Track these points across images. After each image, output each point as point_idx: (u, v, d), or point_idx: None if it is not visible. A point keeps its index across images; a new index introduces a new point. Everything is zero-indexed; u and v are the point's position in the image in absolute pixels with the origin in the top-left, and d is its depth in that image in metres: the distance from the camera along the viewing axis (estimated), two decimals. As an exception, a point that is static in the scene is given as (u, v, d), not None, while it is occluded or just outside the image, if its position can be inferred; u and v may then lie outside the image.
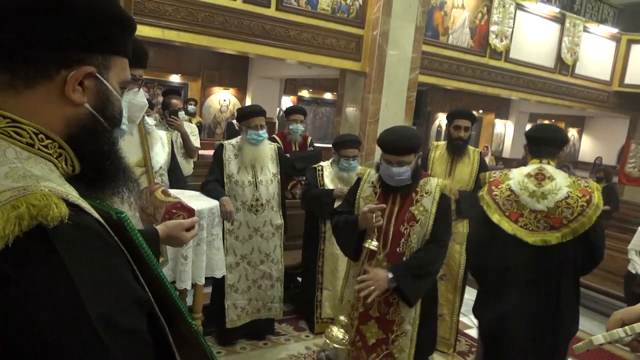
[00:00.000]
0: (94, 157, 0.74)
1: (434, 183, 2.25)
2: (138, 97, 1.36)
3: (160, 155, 3.52)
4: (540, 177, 2.31)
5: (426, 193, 2.22)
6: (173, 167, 3.59)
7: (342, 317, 2.03)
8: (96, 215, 0.64)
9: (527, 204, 2.28)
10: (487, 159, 10.00)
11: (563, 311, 2.26)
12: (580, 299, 2.38)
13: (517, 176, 2.36)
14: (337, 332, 2.00)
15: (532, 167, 2.36)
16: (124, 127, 0.82)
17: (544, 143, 2.37)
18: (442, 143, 3.67)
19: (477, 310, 2.46)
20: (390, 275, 2.11)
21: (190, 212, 1.38)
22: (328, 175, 3.53)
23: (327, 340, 2.00)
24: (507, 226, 2.28)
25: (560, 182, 2.28)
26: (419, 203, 2.21)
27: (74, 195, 0.63)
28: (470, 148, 3.59)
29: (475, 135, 13.52)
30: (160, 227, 1.30)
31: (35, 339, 0.54)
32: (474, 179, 3.44)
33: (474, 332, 4.01)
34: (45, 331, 0.54)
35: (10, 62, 0.66)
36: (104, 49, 0.72)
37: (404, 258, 2.17)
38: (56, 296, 0.55)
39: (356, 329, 2.23)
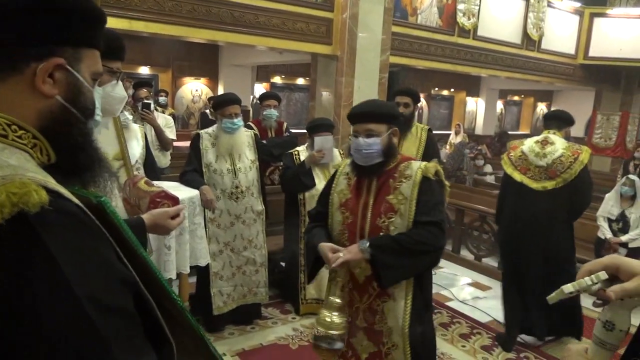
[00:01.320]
0: (67, 148, 0.75)
1: (415, 165, 1.93)
2: (117, 90, 1.37)
3: (135, 149, 3.49)
4: (544, 142, 3.28)
5: (405, 178, 1.91)
6: (149, 161, 3.59)
7: (332, 298, 1.81)
8: (76, 200, 0.66)
9: (532, 162, 3.26)
10: (459, 138, 10.17)
11: (559, 240, 3.27)
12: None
13: (529, 142, 3.34)
14: (332, 317, 1.74)
15: (541, 136, 3.34)
16: (97, 118, 0.84)
17: (551, 118, 3.44)
18: None
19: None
20: (366, 243, 1.83)
21: (174, 200, 1.41)
22: (305, 158, 3.58)
23: (321, 328, 1.73)
24: (517, 176, 3.30)
25: (558, 146, 3.22)
26: (397, 191, 1.90)
27: (52, 182, 0.65)
28: (418, 125, 3.65)
29: (447, 114, 13.73)
30: (145, 216, 1.33)
31: (26, 321, 0.56)
32: (421, 155, 3.46)
33: (454, 304, 4.15)
34: (35, 313, 0.56)
35: None
36: (74, 41, 0.73)
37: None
38: (44, 279, 0.57)
39: (347, 343, 1.95)
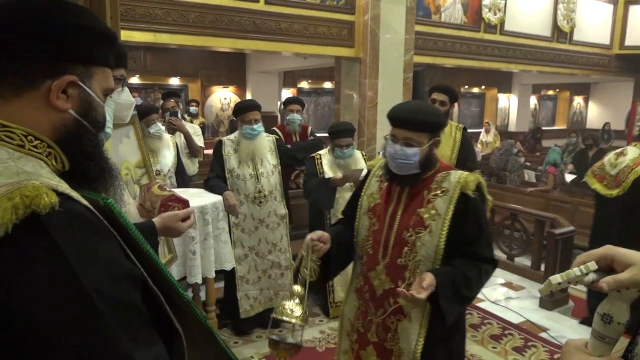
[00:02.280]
0: (79, 157, 0.81)
1: (453, 178, 1.72)
2: (124, 96, 1.42)
3: (168, 158, 3.64)
4: (619, 154, 3.47)
5: (442, 192, 1.71)
6: (179, 169, 3.71)
7: (295, 287, 1.62)
8: (85, 202, 0.71)
9: (608, 171, 3.47)
10: (490, 136, 9.96)
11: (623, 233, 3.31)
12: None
13: (610, 154, 3.54)
14: (291, 305, 1.56)
15: (622, 148, 3.53)
16: (108, 130, 0.89)
17: None
18: None
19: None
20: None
21: (184, 203, 1.45)
22: (327, 162, 3.58)
23: (278, 316, 1.56)
24: (595, 185, 3.53)
25: (628, 157, 3.36)
26: (430, 204, 1.71)
27: (63, 186, 0.70)
28: (452, 123, 3.54)
29: (478, 112, 13.46)
30: (156, 220, 1.37)
31: (37, 311, 0.61)
32: (456, 155, 3.35)
33: (485, 305, 4.06)
34: (45, 304, 0.61)
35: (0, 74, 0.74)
36: (86, 60, 0.79)
37: (406, 273, 1.71)
38: (54, 274, 0.62)
39: (355, 354, 1.89)
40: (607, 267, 0.80)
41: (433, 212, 1.70)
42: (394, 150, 1.71)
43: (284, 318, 1.53)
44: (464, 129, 3.55)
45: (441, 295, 1.59)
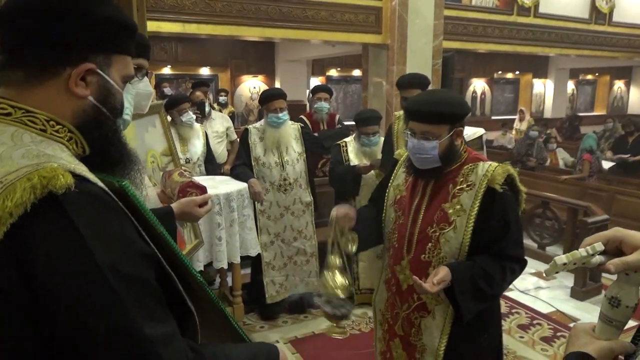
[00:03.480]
0: (99, 143, 0.85)
1: (481, 170, 1.63)
2: (141, 86, 1.46)
3: (197, 147, 3.72)
4: None
5: (468, 186, 1.63)
6: (209, 157, 3.79)
7: (331, 258, 1.63)
8: (100, 184, 0.75)
9: None
10: (524, 124, 9.67)
11: None
12: None
13: None
14: (336, 277, 1.60)
15: None
16: (126, 117, 0.92)
17: None
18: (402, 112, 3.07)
19: None
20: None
21: (202, 189, 1.49)
22: (352, 150, 3.57)
23: (324, 290, 1.60)
24: None
25: None
26: (455, 199, 1.64)
27: (81, 168, 0.74)
28: (396, 114, 3.22)
29: (512, 98, 13.11)
30: (174, 205, 1.42)
31: (54, 288, 0.65)
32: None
33: (513, 295, 4.00)
34: (62, 280, 0.65)
35: (23, 62, 0.78)
36: (105, 48, 0.82)
37: (430, 269, 1.66)
38: (68, 248, 0.66)
39: (387, 344, 1.89)
40: (616, 250, 0.79)
41: (458, 207, 1.63)
42: (413, 145, 1.65)
43: (328, 291, 1.56)
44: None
45: (457, 290, 1.57)
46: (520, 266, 1.68)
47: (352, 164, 3.48)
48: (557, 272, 0.81)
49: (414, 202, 1.74)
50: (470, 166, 1.66)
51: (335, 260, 1.63)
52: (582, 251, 0.78)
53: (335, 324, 1.65)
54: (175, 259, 0.87)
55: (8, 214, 0.63)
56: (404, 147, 2.87)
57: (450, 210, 1.64)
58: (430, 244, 1.67)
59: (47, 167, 0.68)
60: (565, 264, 0.78)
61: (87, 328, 0.66)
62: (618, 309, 0.78)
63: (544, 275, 0.91)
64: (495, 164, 1.66)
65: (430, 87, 5.53)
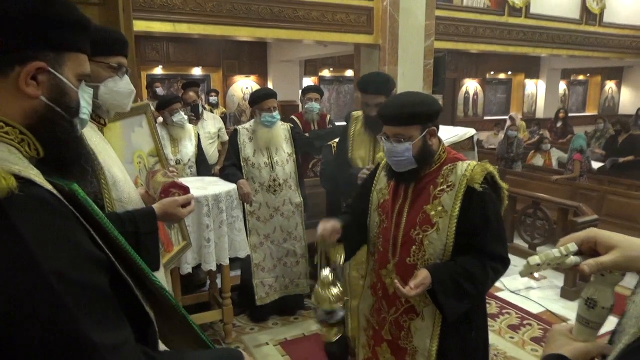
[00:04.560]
0: (52, 144, 0.82)
1: (460, 170, 1.63)
2: (121, 84, 1.43)
3: (189, 148, 3.69)
4: None
5: (448, 186, 1.63)
6: (200, 159, 3.75)
7: (323, 274, 1.69)
8: (48, 186, 0.72)
9: None
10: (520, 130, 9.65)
11: None
12: None
13: None
14: (330, 291, 1.66)
15: None
16: (83, 116, 0.89)
17: None
18: (361, 113, 2.89)
19: None
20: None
21: (185, 189, 1.47)
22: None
23: (313, 304, 1.69)
24: None
25: None
26: (436, 200, 1.64)
27: (29, 171, 0.71)
28: (353, 114, 3.00)
29: (505, 99, 13.15)
30: (156, 205, 1.40)
31: None
32: (373, 151, 2.83)
33: (504, 295, 4.00)
34: (4, 287, 0.62)
35: None
36: (55, 46, 0.80)
37: (416, 271, 1.63)
38: (11, 256, 0.63)
39: (372, 350, 1.88)
40: (591, 251, 0.78)
41: (439, 208, 1.63)
42: (387, 148, 1.67)
43: (324, 305, 1.65)
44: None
45: (438, 290, 1.57)
46: (502, 264, 1.66)
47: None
48: (531, 273, 0.80)
49: (396, 205, 1.74)
50: (450, 166, 1.66)
51: (326, 275, 1.67)
52: (555, 251, 0.77)
53: (331, 329, 1.71)
54: (132, 264, 0.85)
55: None
56: (362, 150, 2.83)
57: (432, 212, 1.64)
58: (414, 247, 1.67)
59: None
60: (538, 264, 0.78)
61: (30, 336, 0.63)
62: (594, 310, 0.78)
63: (519, 275, 0.89)
64: (474, 162, 1.66)
65: (421, 88, 5.57)
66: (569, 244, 0.77)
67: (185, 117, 3.74)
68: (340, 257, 1.76)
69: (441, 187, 1.65)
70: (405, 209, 1.71)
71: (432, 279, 1.56)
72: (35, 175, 0.71)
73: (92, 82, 1.30)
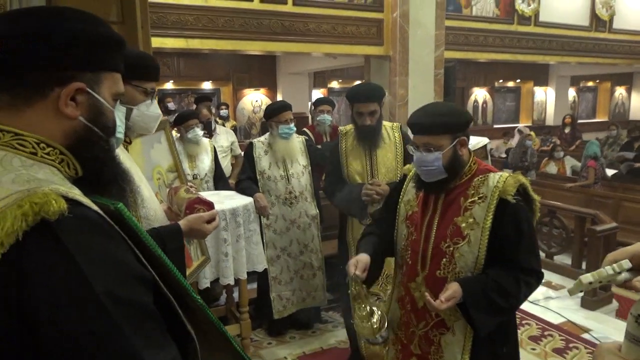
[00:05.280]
0: (91, 163, 0.83)
1: (492, 182, 1.60)
2: (151, 109, 1.45)
3: (205, 163, 3.71)
4: None
5: (480, 198, 1.61)
6: (218, 173, 3.78)
7: (358, 307, 1.72)
8: (95, 207, 0.72)
9: None
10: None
11: None
12: None
13: None
14: (371, 324, 1.70)
15: None
16: (119, 135, 0.90)
17: None
18: (350, 128, 2.86)
19: None
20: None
21: (209, 205, 1.47)
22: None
23: (361, 334, 1.78)
24: None
25: None
26: (467, 212, 1.61)
27: (74, 192, 0.71)
28: (386, 124, 2.87)
29: (514, 107, 13.11)
30: (182, 222, 1.40)
31: (51, 318, 0.62)
32: (401, 161, 2.77)
33: (523, 305, 3.94)
34: (59, 310, 0.63)
35: (10, 84, 0.76)
36: (93, 66, 0.80)
37: (446, 284, 1.61)
38: (65, 278, 0.64)
39: None
40: None
41: (471, 220, 1.60)
42: (417, 158, 1.66)
43: (369, 337, 1.71)
44: (401, 126, 2.89)
45: (469, 304, 1.55)
46: (536, 278, 1.64)
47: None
48: (581, 291, 0.79)
49: (425, 217, 1.72)
50: (481, 178, 1.64)
51: (363, 309, 1.69)
52: (608, 269, 0.76)
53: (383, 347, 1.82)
54: (173, 281, 0.85)
55: None
56: (357, 165, 2.77)
57: (463, 224, 1.61)
58: (445, 260, 1.64)
59: (39, 192, 0.65)
60: (591, 282, 0.76)
61: (84, 356, 0.64)
62: None
63: (569, 294, 0.87)
64: (505, 174, 1.64)
65: (432, 98, 5.57)
66: (623, 261, 0.76)
67: (201, 132, 3.77)
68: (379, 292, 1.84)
69: (472, 199, 1.62)
70: (435, 221, 1.69)
71: (463, 292, 1.54)
72: (79, 195, 0.72)
73: (126, 105, 1.32)
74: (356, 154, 2.83)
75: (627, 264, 0.75)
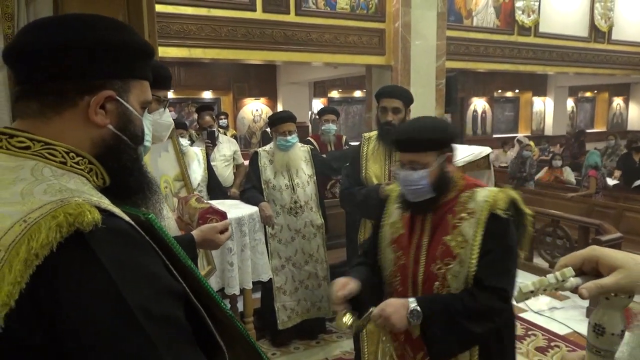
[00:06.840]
0: (119, 173, 0.81)
1: (480, 197, 1.53)
2: (164, 117, 1.45)
3: (197, 172, 3.65)
4: None
5: (468, 214, 1.52)
6: (213, 183, 3.72)
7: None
8: (126, 218, 0.71)
9: None
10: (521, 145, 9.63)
11: None
12: None
13: None
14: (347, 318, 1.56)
15: None
16: (147, 144, 0.88)
17: None
18: (374, 134, 2.89)
19: None
20: (413, 304, 1.46)
21: (222, 215, 1.45)
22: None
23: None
24: None
25: None
26: (456, 230, 1.52)
27: (105, 202, 0.70)
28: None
29: (513, 117, 13.16)
30: (195, 232, 1.38)
31: (84, 332, 0.60)
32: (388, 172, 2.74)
33: (528, 316, 3.92)
34: (91, 324, 0.61)
35: (39, 93, 0.75)
36: (122, 74, 0.79)
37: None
38: (98, 292, 0.62)
39: None
40: (595, 271, 0.72)
41: (460, 239, 1.50)
42: (402, 176, 1.56)
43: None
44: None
45: (428, 324, 1.46)
46: (498, 298, 1.49)
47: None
48: (527, 299, 0.76)
49: (413, 239, 1.61)
50: (468, 193, 1.56)
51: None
52: (550, 277, 0.72)
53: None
54: (203, 292, 0.83)
55: (34, 256, 0.59)
56: (376, 167, 2.72)
57: (453, 243, 1.51)
58: (437, 283, 1.53)
59: (72, 203, 0.64)
60: (532, 291, 0.73)
61: None
62: (603, 337, 0.71)
63: (515, 301, 0.86)
64: (495, 189, 1.57)
65: (434, 108, 5.58)
66: (566, 269, 0.71)
67: (187, 142, 3.70)
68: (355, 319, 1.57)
69: (460, 215, 1.53)
70: (424, 243, 1.58)
71: (422, 309, 1.46)
72: (111, 205, 0.70)
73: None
74: (376, 158, 2.81)
75: (569, 272, 0.71)
